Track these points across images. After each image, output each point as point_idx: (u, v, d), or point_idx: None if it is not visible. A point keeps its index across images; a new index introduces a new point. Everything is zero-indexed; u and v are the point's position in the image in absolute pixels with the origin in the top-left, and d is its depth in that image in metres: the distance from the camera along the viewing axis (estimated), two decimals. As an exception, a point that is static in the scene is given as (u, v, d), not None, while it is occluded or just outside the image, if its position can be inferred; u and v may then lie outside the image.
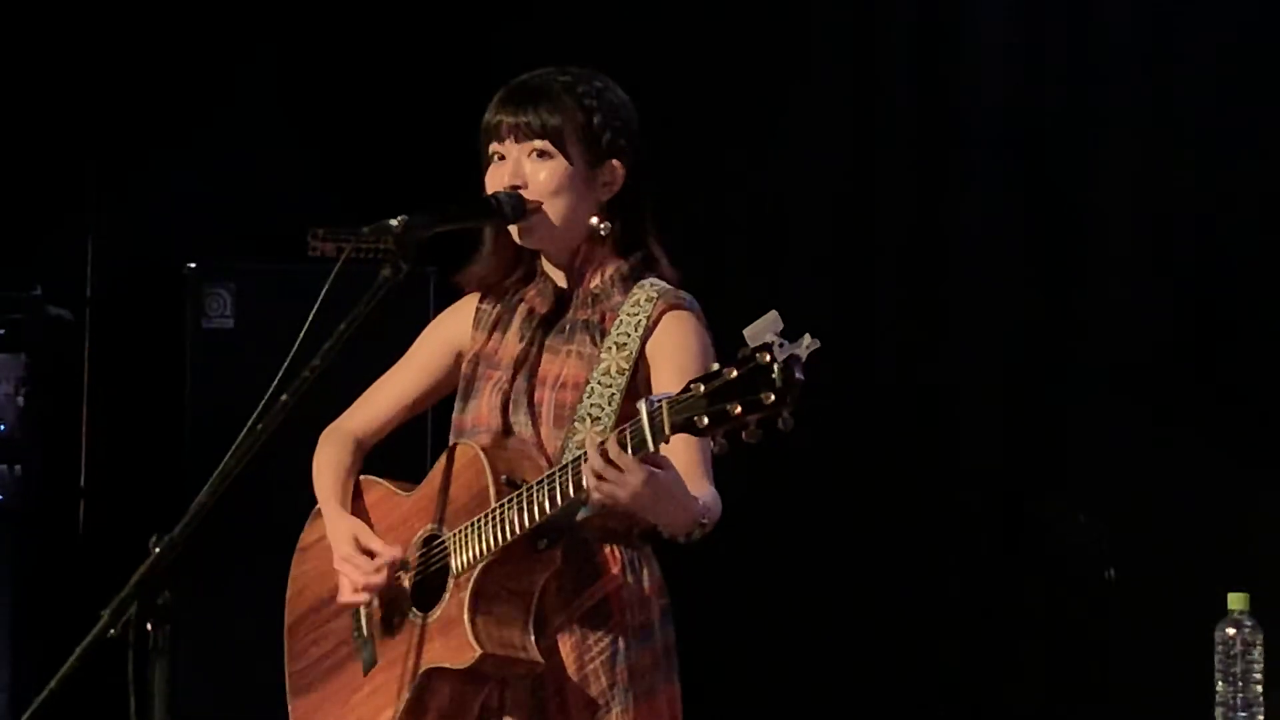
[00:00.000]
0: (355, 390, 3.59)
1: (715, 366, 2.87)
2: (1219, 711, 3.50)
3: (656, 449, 2.98)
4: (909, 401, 6.04)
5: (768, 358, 2.80)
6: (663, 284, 3.34)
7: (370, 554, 3.36)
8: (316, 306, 3.10)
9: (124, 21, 6.11)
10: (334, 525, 3.44)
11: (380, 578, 3.33)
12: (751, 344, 2.83)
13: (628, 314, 3.30)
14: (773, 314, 2.83)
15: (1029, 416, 5.96)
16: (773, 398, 2.79)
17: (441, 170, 5.58)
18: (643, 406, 2.96)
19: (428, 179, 5.61)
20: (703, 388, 2.86)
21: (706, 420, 2.86)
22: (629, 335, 3.28)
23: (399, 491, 3.45)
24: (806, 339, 2.81)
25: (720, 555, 3.72)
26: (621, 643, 3.29)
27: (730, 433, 2.86)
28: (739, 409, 2.82)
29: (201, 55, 6.17)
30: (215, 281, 5.67)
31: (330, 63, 6.23)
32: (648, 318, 3.29)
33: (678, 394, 2.91)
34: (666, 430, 2.93)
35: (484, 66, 5.89)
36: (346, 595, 3.37)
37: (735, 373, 2.83)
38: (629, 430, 2.99)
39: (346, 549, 3.38)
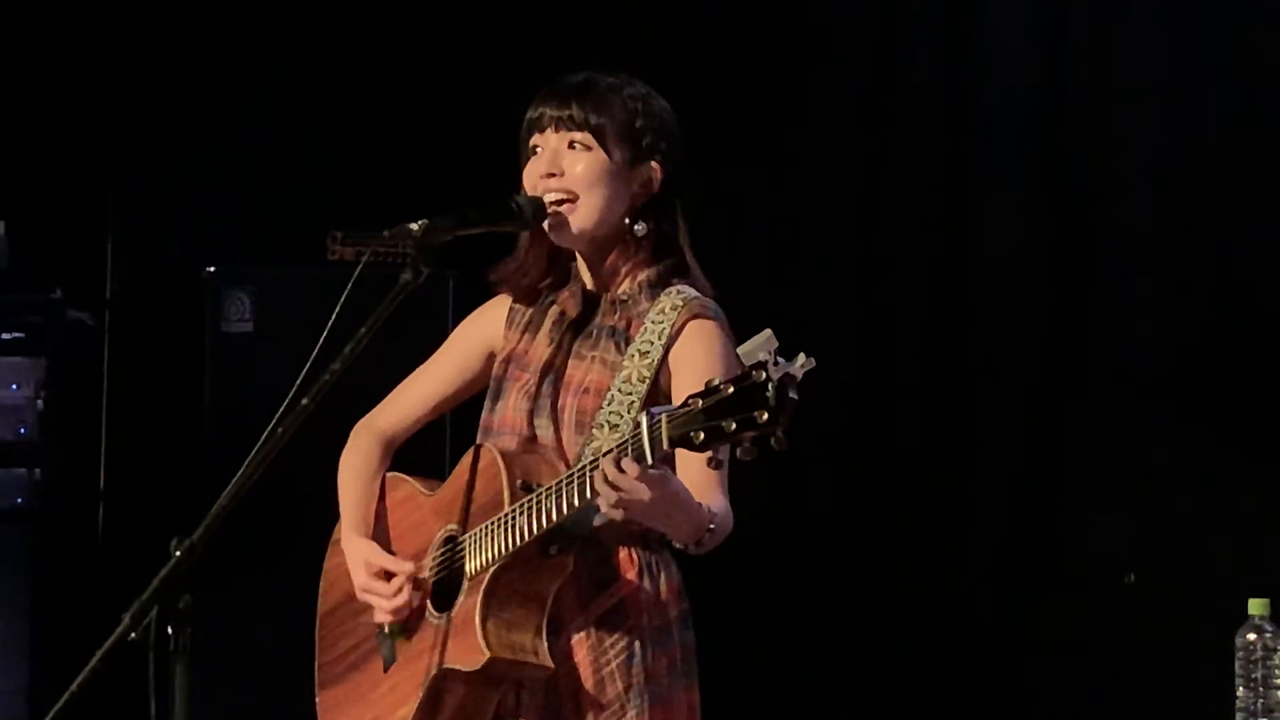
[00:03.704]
0: (376, 394, 3.60)
1: (714, 382, 2.87)
2: (1240, 717, 3.49)
3: (655, 462, 2.99)
4: (929, 406, 6.03)
5: (763, 376, 2.80)
6: (690, 291, 3.34)
7: (386, 574, 3.38)
8: (336, 310, 3.10)
9: (143, 25, 6.12)
10: (350, 551, 3.47)
11: (401, 599, 3.37)
12: (746, 362, 2.83)
13: (653, 321, 3.31)
14: (767, 332, 2.84)
15: (1049, 420, 5.95)
16: (766, 416, 2.79)
17: (462, 173, 5.60)
18: (642, 419, 2.97)
19: (448, 182, 5.62)
20: (700, 403, 2.87)
21: (703, 435, 2.87)
22: (652, 343, 3.29)
23: (423, 490, 3.47)
24: (801, 358, 2.81)
25: (741, 560, 3.72)
26: (638, 646, 3.30)
27: (726, 449, 2.87)
28: (733, 426, 2.83)
29: (221, 58, 6.17)
30: (235, 285, 5.67)
31: (351, 66, 6.24)
32: (672, 326, 3.29)
33: (676, 408, 2.92)
34: (665, 444, 2.93)
35: (504, 70, 5.92)
36: (380, 618, 3.40)
37: (731, 389, 2.84)
38: (629, 443, 2.99)
39: (363, 578, 3.42)
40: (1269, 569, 5.25)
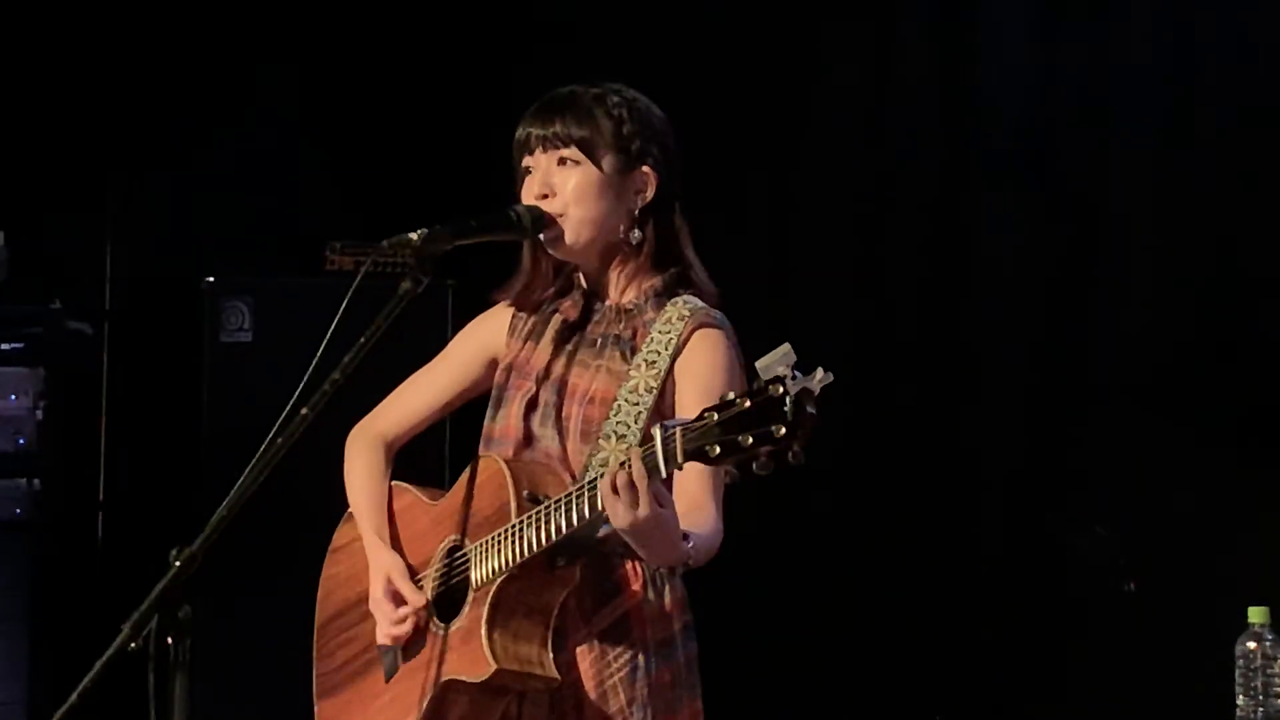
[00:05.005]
0: (374, 404, 3.60)
1: (730, 395, 2.85)
2: (1240, 725, 3.49)
3: (669, 475, 2.98)
4: (928, 416, 6.03)
5: (780, 390, 2.78)
6: (696, 302, 3.34)
7: (398, 598, 3.38)
8: (336, 320, 3.10)
9: (143, 36, 6.13)
10: (373, 559, 3.46)
11: (404, 629, 3.36)
12: (764, 376, 2.82)
13: (659, 331, 3.30)
14: (785, 346, 2.82)
15: (1049, 429, 5.95)
16: (784, 431, 2.77)
17: (460, 183, 5.60)
18: (656, 432, 2.95)
19: (446, 192, 5.62)
20: (716, 417, 2.85)
21: (718, 449, 2.84)
22: (659, 353, 3.28)
23: (426, 500, 3.46)
24: (819, 373, 2.79)
25: (744, 571, 3.72)
26: (642, 659, 3.29)
27: (741, 463, 2.85)
28: (750, 440, 2.80)
29: (220, 69, 6.18)
30: (233, 295, 5.67)
31: (349, 76, 6.24)
32: (678, 336, 3.29)
33: (691, 421, 2.90)
34: (679, 458, 2.92)
35: (503, 80, 5.92)
36: (380, 639, 3.40)
37: (748, 403, 2.82)
38: (643, 455, 2.98)
39: (378, 592, 3.41)
40: (1269, 577, 5.24)
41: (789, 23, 6.16)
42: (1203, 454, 5.67)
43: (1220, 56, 5.82)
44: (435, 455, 4.80)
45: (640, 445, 3.00)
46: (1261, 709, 3.47)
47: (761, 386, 2.81)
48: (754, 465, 2.83)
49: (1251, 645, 3.48)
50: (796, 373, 2.79)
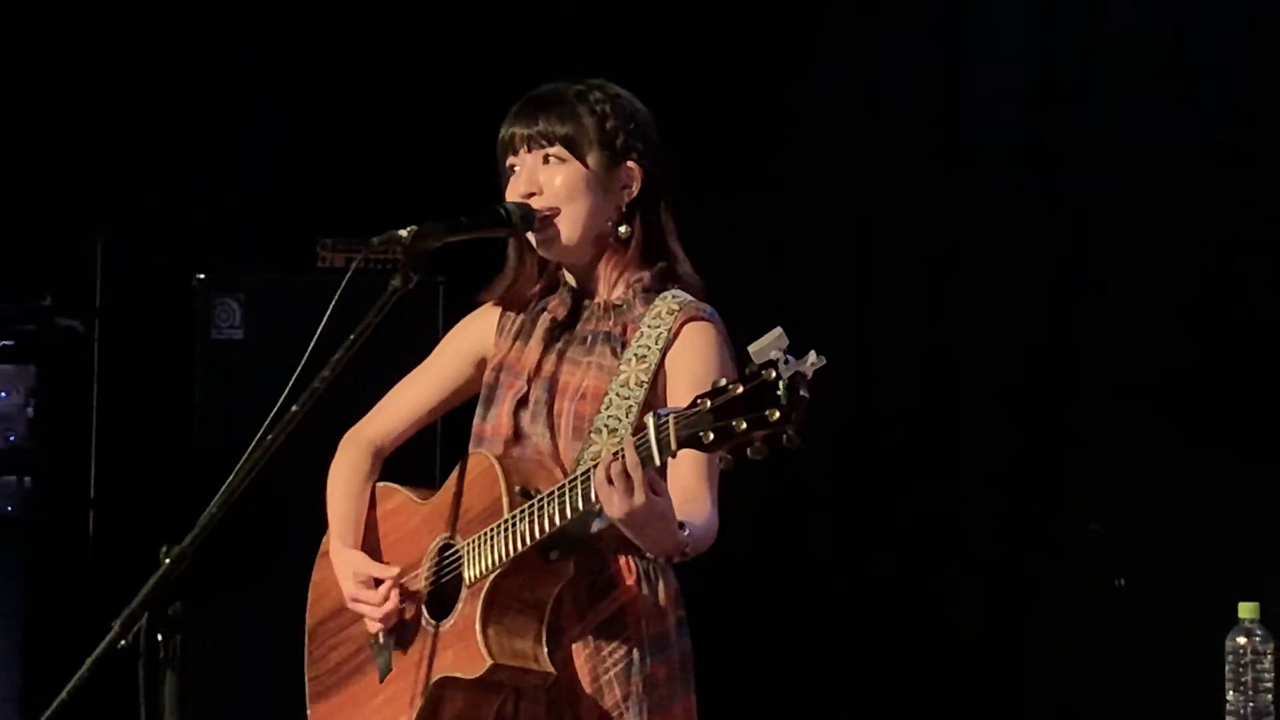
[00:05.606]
0: (365, 400, 3.60)
1: (723, 382, 2.85)
2: (1230, 720, 3.49)
3: (663, 463, 2.97)
4: (920, 412, 6.03)
5: (773, 374, 2.77)
6: (685, 296, 3.34)
7: (375, 582, 3.38)
8: (326, 317, 3.10)
9: (133, 32, 6.12)
10: (338, 563, 3.47)
11: (390, 605, 3.36)
12: (756, 360, 2.81)
13: (649, 326, 3.30)
14: (777, 330, 2.81)
15: (1041, 425, 5.95)
16: (777, 415, 2.77)
17: (451, 180, 5.60)
18: (650, 420, 2.95)
19: (437, 189, 5.61)
20: (709, 403, 2.85)
21: (712, 436, 2.84)
22: (649, 348, 3.28)
23: (416, 499, 3.46)
24: (812, 356, 2.79)
25: (738, 566, 3.72)
26: (637, 654, 3.29)
27: (736, 449, 2.85)
28: (744, 425, 2.80)
29: (211, 65, 6.17)
30: (224, 292, 5.67)
31: (340, 73, 6.24)
32: (668, 330, 3.28)
33: (684, 409, 2.89)
34: (673, 445, 2.91)
35: (496, 76, 5.92)
36: (372, 628, 3.40)
37: (741, 389, 2.81)
38: (636, 444, 2.98)
39: (351, 587, 3.41)
40: (1259, 572, 5.25)
41: (787, 18, 6.15)
42: (1194, 450, 5.67)
43: (1219, 55, 5.81)
44: (426, 455, 4.80)
45: (634, 434, 2.99)
46: (1251, 704, 3.47)
47: (754, 371, 2.80)
48: (749, 451, 2.82)
49: (1242, 640, 3.48)
50: (789, 356, 2.79)
